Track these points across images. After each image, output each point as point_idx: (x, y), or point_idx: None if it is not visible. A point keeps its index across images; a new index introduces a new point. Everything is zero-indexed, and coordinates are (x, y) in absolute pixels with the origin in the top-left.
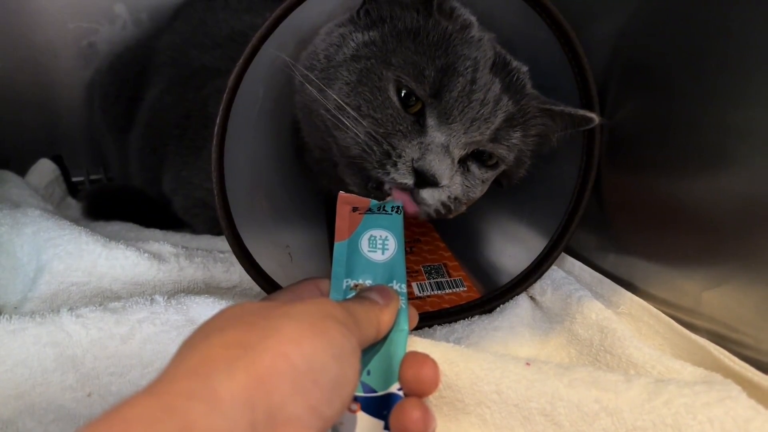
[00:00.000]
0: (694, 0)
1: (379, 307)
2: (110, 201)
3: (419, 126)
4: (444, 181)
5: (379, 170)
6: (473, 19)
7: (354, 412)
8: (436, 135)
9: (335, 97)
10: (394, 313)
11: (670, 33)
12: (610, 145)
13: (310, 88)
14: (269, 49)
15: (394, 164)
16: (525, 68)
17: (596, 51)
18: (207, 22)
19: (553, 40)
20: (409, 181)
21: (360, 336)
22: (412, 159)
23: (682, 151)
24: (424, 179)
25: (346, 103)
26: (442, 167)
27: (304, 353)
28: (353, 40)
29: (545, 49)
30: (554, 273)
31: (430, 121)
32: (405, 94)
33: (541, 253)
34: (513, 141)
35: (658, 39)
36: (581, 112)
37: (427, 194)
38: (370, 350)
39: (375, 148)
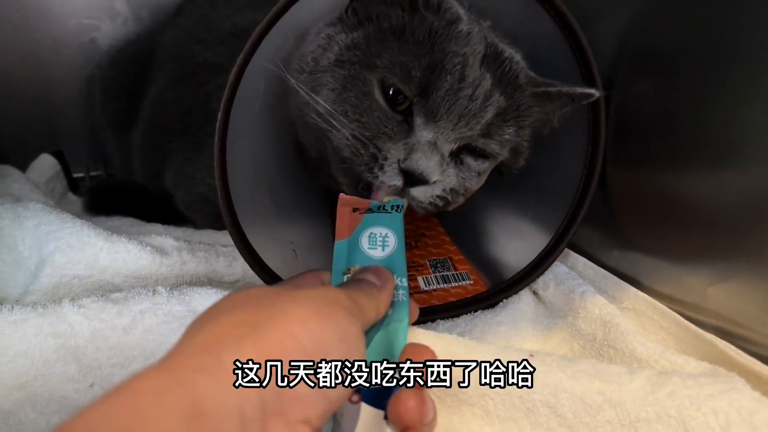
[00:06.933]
0: None
1: (377, 288)
2: (111, 196)
3: (407, 125)
4: (434, 178)
5: (368, 173)
6: (461, 12)
7: (355, 403)
8: (423, 133)
9: (323, 102)
10: (391, 293)
11: (678, 28)
12: (616, 140)
13: (301, 91)
14: (270, 45)
15: (381, 167)
16: (518, 56)
17: (602, 44)
18: (209, 17)
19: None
20: (398, 182)
21: (363, 321)
22: (398, 160)
23: (688, 147)
24: (413, 178)
25: (334, 109)
26: (430, 164)
27: (311, 334)
28: (337, 42)
29: (542, 28)
30: (557, 268)
31: (418, 120)
32: (393, 92)
33: (545, 248)
34: (506, 136)
35: (665, 34)
36: (579, 89)
37: (418, 192)
38: (369, 341)
39: (362, 151)
